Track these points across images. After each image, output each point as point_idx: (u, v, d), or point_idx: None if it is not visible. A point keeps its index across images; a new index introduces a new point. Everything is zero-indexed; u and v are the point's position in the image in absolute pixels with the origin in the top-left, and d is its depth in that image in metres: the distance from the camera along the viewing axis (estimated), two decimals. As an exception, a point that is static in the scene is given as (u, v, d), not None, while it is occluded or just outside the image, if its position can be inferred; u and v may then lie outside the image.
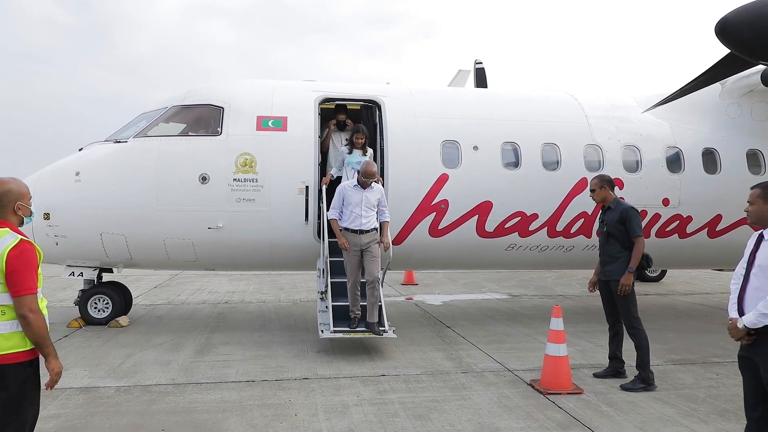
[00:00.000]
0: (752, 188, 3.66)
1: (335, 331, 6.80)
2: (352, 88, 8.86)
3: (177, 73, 58.36)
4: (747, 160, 8.95)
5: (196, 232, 7.82)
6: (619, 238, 5.93)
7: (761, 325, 3.29)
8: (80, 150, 8.24)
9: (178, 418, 4.76)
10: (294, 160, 7.98)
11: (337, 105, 8.72)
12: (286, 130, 8.07)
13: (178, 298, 11.24)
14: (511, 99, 9.29)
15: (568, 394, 5.44)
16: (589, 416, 4.90)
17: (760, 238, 3.51)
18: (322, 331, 6.89)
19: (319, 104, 8.36)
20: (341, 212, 7.03)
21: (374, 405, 5.11)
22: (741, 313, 3.46)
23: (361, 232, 6.86)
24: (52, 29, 54.33)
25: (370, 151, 8.07)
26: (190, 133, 8.11)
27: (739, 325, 3.37)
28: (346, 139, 8.25)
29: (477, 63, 13.34)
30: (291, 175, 7.94)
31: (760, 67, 7.59)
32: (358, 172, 6.98)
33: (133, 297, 9.18)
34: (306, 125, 8.15)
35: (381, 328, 6.96)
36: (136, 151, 7.88)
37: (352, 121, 8.76)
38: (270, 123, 8.08)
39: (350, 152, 7.98)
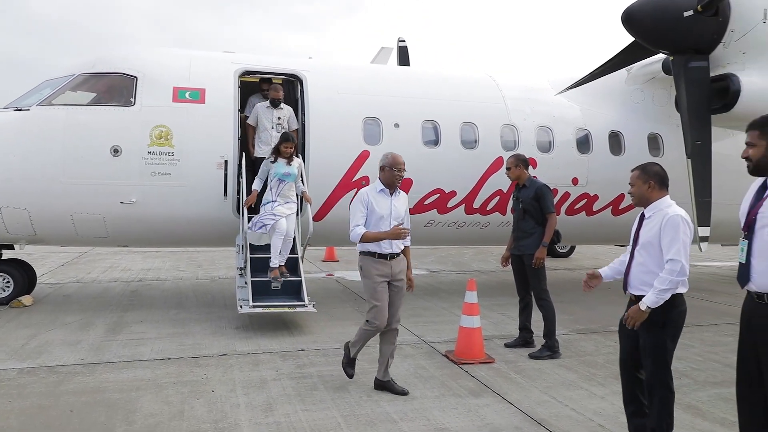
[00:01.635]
0: (632, 171, 3.86)
1: (254, 307, 6.75)
2: (273, 61, 8.70)
3: (85, 39, 54.90)
4: (648, 143, 9.55)
5: (107, 206, 7.48)
6: (533, 215, 6.22)
7: (662, 302, 3.51)
8: (-25, 117, 7.65)
9: (88, 399, 4.60)
10: (212, 134, 7.78)
11: (261, 78, 8.53)
12: (204, 103, 7.84)
13: (88, 276, 10.75)
14: (433, 78, 9.43)
15: (480, 363, 5.69)
16: (499, 383, 5.16)
17: (642, 217, 3.79)
18: (240, 306, 6.82)
19: (239, 77, 8.16)
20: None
21: (293, 379, 5.15)
22: (626, 286, 3.77)
23: (392, 257, 4.87)
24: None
25: (298, 160, 7.44)
26: (100, 103, 7.69)
27: (642, 308, 3.53)
28: (274, 149, 7.36)
29: (400, 41, 13.43)
30: (209, 149, 7.74)
31: (662, 56, 8.09)
32: (382, 168, 4.94)
33: (37, 275, 8.69)
34: (225, 98, 7.95)
35: (301, 302, 6.97)
36: (40, 120, 7.41)
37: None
38: (187, 95, 7.81)
39: (275, 161, 7.26)
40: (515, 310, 6.62)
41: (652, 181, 3.73)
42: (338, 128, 8.26)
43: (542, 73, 10.72)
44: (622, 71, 9.24)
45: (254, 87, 8.80)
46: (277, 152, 7.29)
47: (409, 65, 12.73)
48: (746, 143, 3.11)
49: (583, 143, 9.33)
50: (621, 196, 9.39)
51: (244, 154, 7.92)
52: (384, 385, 4.94)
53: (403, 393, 4.82)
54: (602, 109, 9.60)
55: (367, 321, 4.91)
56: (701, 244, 6.98)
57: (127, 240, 8.16)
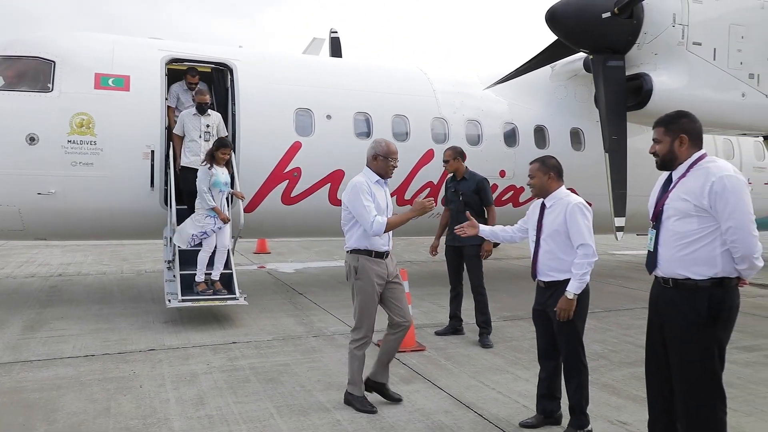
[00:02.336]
0: (531, 163, 4.13)
1: (183, 300, 6.61)
2: (202, 49, 8.49)
3: (-5, 19, 51.36)
4: (570, 137, 9.99)
5: (23, 197, 7.10)
6: (473, 207, 6.37)
7: (585, 286, 3.82)
8: None
9: (5, 399, 4.39)
10: (138, 123, 7.51)
11: (189, 67, 8.30)
12: (128, 90, 7.56)
13: (2, 272, 10.18)
14: (365, 70, 9.48)
15: (411, 351, 5.83)
16: (429, 370, 5.31)
17: (543, 206, 4.04)
18: (169, 300, 6.67)
19: (166, 64, 7.91)
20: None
21: (225, 372, 5.10)
22: (535, 274, 4.05)
23: (387, 254, 4.46)
24: None
25: (224, 169, 7.10)
26: (13, 88, 7.27)
27: (570, 296, 3.78)
28: (208, 155, 7.01)
29: (332, 32, 13.39)
30: (135, 138, 7.48)
31: (583, 54, 8.47)
32: (375, 157, 4.43)
33: (-55, 271, 8.16)
34: (151, 86, 7.69)
35: (232, 295, 6.89)
36: (-55, 106, 6.93)
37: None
38: (110, 82, 7.50)
39: (211, 166, 6.88)
40: (446, 299, 6.80)
41: (551, 172, 4.03)
42: (269, 119, 8.17)
43: (471, 68, 11.00)
44: (547, 68, 9.61)
45: (181, 75, 8.55)
46: (212, 158, 6.93)
47: (341, 57, 12.72)
48: (653, 139, 3.34)
49: (510, 137, 9.65)
50: (545, 188, 9.76)
51: (172, 144, 7.71)
52: (378, 387, 4.51)
53: (399, 399, 4.49)
54: (528, 104, 9.95)
55: (353, 341, 4.39)
56: (617, 233, 7.40)
57: (46, 233, 7.78)
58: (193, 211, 7.05)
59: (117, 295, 8.36)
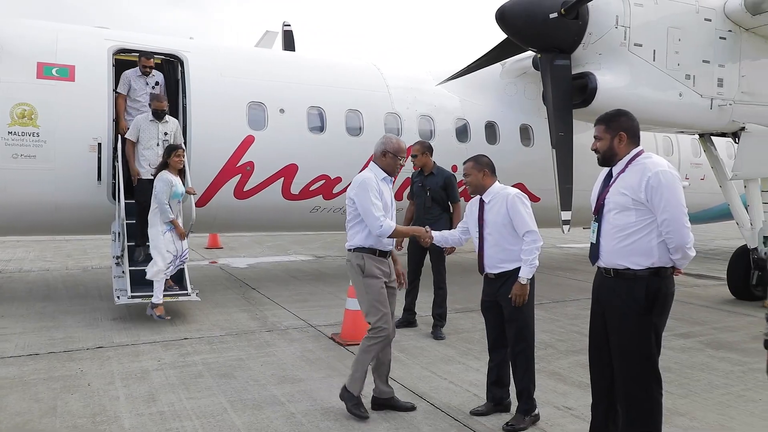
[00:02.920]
0: (465, 162, 4.31)
1: (133, 297, 6.49)
2: (152, 40, 8.29)
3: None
4: (520, 133, 10.22)
5: (-41, 191, 6.81)
6: (440, 203, 6.46)
7: (534, 270, 4.00)
8: None
9: (-56, 400, 4.24)
10: (84, 114, 7.29)
11: (141, 52, 7.99)
12: (73, 81, 7.32)
13: (-63, 269, 9.72)
14: (319, 65, 9.46)
15: (365, 344, 5.89)
16: (383, 362, 5.38)
17: (482, 203, 4.20)
18: (118, 297, 6.53)
19: (114, 54, 7.70)
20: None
21: (176, 368, 5.05)
22: (482, 268, 4.19)
23: (389, 254, 4.38)
24: None
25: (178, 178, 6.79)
26: (-53, 77, 6.94)
27: (523, 282, 3.97)
28: (162, 164, 6.69)
29: (285, 25, 13.29)
30: (80, 130, 7.25)
31: (531, 53, 8.69)
32: (384, 154, 4.30)
33: None
34: (98, 76, 7.47)
35: (183, 291, 6.79)
36: None
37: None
38: (54, 71, 7.25)
39: (161, 171, 6.59)
40: (401, 291, 6.87)
41: (486, 169, 4.23)
42: (221, 112, 8.05)
43: (424, 64, 11.10)
44: (498, 66, 9.79)
45: (130, 66, 8.31)
46: (165, 166, 6.62)
47: (294, 50, 12.64)
48: (594, 137, 3.50)
49: (462, 132, 9.80)
50: (496, 183, 9.98)
51: (120, 137, 7.51)
52: (386, 403, 4.28)
53: (412, 408, 4.29)
54: (479, 100, 10.12)
55: (373, 329, 4.15)
56: (564, 226, 7.65)
57: (-15, 228, 7.48)
58: (146, 225, 6.69)
59: (62, 292, 8.11)
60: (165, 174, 6.55)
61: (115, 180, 7.39)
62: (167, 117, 7.29)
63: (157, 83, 7.69)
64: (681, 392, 4.73)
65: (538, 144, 9.99)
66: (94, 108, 7.36)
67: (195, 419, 4.01)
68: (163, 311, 6.49)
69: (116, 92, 7.61)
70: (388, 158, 4.29)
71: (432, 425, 4.04)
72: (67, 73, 7.30)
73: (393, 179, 4.35)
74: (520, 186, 9.88)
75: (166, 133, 7.22)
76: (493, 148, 9.95)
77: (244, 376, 4.88)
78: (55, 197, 7.23)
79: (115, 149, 7.41)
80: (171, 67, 8.42)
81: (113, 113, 7.51)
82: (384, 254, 4.26)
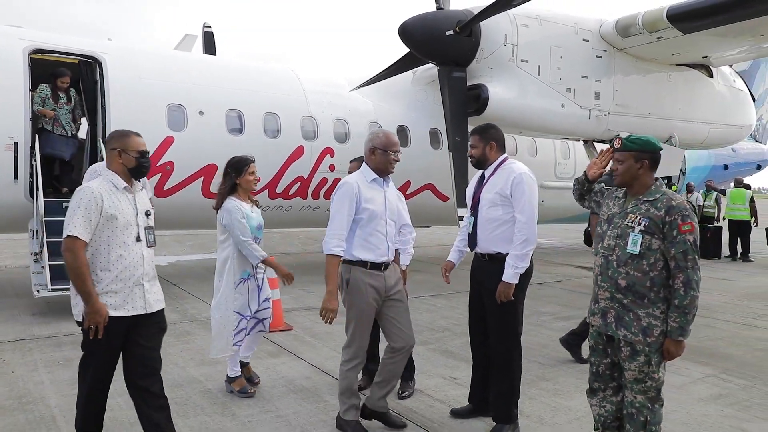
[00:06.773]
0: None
1: (53, 290, 6.62)
2: (69, 40, 8.41)
3: None
4: (430, 137, 10.99)
5: None
6: None
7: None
8: None
9: None
10: (-1, 114, 7.37)
11: (60, 69, 8.09)
12: (-12, 80, 7.38)
13: None
14: (238, 69, 9.84)
15: (280, 331, 6.42)
16: (295, 345, 5.93)
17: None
18: (37, 291, 6.67)
19: (29, 54, 7.79)
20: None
21: (99, 355, 5.36)
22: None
23: (386, 266, 3.90)
24: None
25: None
26: None
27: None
28: None
29: (206, 26, 13.46)
30: (-4, 129, 7.33)
31: (438, 63, 9.46)
32: (372, 151, 3.90)
33: None
34: (13, 76, 7.56)
35: None
36: None
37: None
38: (-34, 71, 7.29)
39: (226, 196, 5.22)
40: (314, 286, 7.41)
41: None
42: (141, 114, 8.29)
43: (339, 71, 11.68)
44: (409, 73, 10.53)
45: (47, 65, 8.38)
46: (233, 189, 4.74)
47: (215, 52, 12.87)
48: (469, 145, 4.21)
49: (375, 135, 10.43)
50: (407, 183, 10.67)
51: (37, 135, 7.63)
52: (378, 416, 3.98)
53: (403, 425, 3.99)
54: (392, 105, 10.80)
55: (344, 361, 3.90)
56: (460, 222, 8.43)
57: None
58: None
59: (-25, 291, 8.11)
60: (233, 201, 4.58)
61: (32, 178, 7.51)
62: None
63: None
64: (550, 363, 5.57)
65: (447, 147, 10.76)
66: (9, 107, 7.45)
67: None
68: (245, 384, 4.63)
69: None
70: (377, 156, 3.87)
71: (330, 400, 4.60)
72: (-20, 72, 7.35)
73: (387, 178, 3.97)
74: (430, 186, 10.75)
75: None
76: (404, 150, 10.64)
77: (166, 361, 5.18)
78: (-30, 196, 7.28)
79: (32, 148, 7.53)
80: (89, 68, 8.57)
81: (30, 112, 7.61)
82: (378, 266, 3.82)
